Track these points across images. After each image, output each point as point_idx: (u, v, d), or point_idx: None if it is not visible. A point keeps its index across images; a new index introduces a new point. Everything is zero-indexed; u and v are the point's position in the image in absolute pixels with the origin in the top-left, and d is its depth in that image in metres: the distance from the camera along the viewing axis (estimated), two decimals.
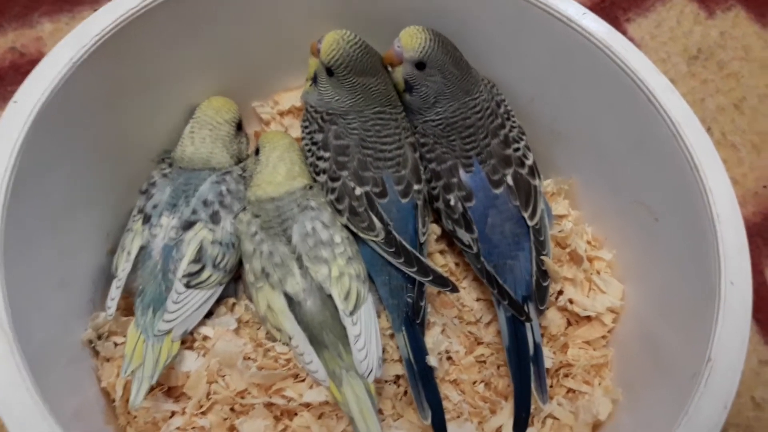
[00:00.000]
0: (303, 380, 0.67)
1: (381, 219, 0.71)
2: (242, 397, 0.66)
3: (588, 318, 0.73)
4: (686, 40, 1.03)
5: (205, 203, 0.73)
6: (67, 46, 0.63)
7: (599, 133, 0.72)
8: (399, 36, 0.74)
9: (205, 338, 0.70)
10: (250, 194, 0.75)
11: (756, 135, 0.92)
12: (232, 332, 0.70)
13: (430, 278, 0.69)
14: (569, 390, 0.69)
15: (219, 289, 0.72)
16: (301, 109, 0.86)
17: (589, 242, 0.75)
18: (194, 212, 0.72)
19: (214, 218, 0.72)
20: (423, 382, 0.67)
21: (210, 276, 0.70)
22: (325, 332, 0.67)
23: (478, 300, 0.76)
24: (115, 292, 0.68)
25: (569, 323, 0.74)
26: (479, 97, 0.75)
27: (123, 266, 0.69)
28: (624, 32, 0.95)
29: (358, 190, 0.72)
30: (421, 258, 0.70)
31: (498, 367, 0.72)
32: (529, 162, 0.75)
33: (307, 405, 0.66)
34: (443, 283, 0.69)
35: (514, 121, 0.77)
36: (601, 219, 0.76)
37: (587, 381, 0.69)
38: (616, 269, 0.74)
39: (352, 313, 0.67)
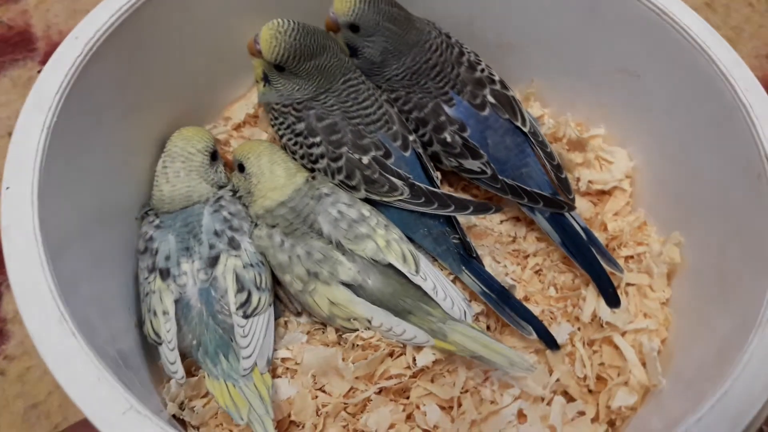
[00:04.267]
0: (401, 354, 0.65)
1: (398, 176, 0.70)
2: (353, 396, 0.63)
3: (608, 192, 0.77)
4: None
5: (217, 234, 0.68)
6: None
7: (550, 24, 0.76)
8: (333, 1, 0.73)
9: (285, 360, 0.66)
10: (256, 209, 0.71)
11: (731, 30, 0.96)
12: (309, 343, 0.67)
13: (471, 209, 0.69)
14: (628, 257, 0.72)
15: (271, 309, 0.68)
16: (256, 116, 0.82)
17: (577, 126, 0.79)
18: (212, 246, 0.67)
19: (233, 244, 0.68)
20: (507, 304, 0.67)
21: (260, 299, 0.66)
22: (401, 300, 0.65)
23: (501, 222, 0.78)
24: (172, 356, 0.63)
25: (595, 204, 0.77)
26: (431, 38, 0.75)
27: (167, 327, 0.63)
28: None
29: (365, 159, 0.70)
30: (453, 195, 0.70)
31: (555, 266, 0.73)
32: (496, 77, 0.77)
33: (415, 375, 0.64)
34: (485, 207, 0.69)
35: (467, 47, 0.79)
36: (576, 105, 0.80)
37: (639, 242, 0.73)
38: (613, 139, 0.78)
39: (417, 271, 0.66)
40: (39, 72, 0.59)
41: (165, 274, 0.66)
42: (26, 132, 0.55)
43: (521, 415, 0.61)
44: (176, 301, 0.65)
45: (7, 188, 0.52)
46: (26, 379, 0.76)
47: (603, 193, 0.77)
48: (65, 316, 0.47)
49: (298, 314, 0.72)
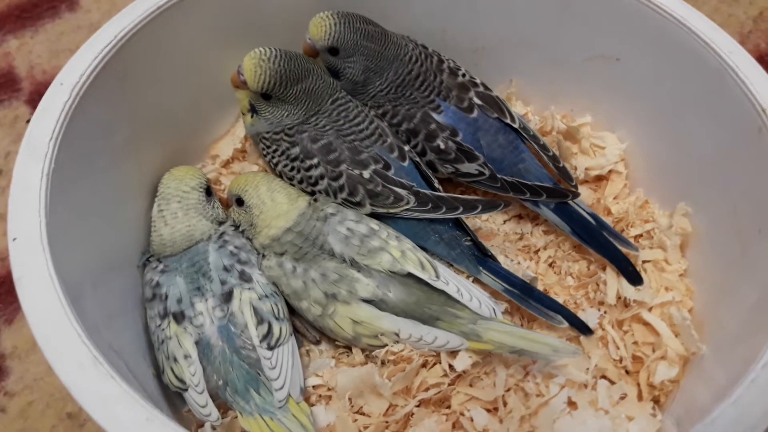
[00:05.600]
0: (435, 363, 0.63)
1: (402, 186, 0.69)
2: (393, 413, 0.61)
3: (605, 177, 0.78)
4: None
5: (226, 269, 0.66)
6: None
7: (521, 24, 0.78)
8: (309, 27, 0.73)
9: (317, 387, 0.63)
10: (261, 240, 0.69)
11: None
12: (338, 367, 0.64)
13: (480, 208, 0.69)
14: (637, 236, 0.73)
15: (293, 338, 0.65)
16: (243, 151, 0.81)
17: (563, 119, 0.80)
18: (223, 282, 0.65)
19: (244, 277, 0.66)
20: (532, 297, 0.66)
21: (281, 329, 0.64)
22: (426, 307, 0.64)
23: (504, 222, 0.77)
24: (202, 399, 0.60)
25: (594, 190, 0.77)
26: (409, 50, 0.76)
27: (191, 370, 0.61)
28: None
29: (366, 173, 0.69)
30: (459, 196, 0.70)
31: (568, 256, 0.73)
32: (478, 80, 0.78)
33: (453, 382, 0.62)
34: (493, 205, 0.69)
35: (444, 55, 0.79)
36: (558, 98, 0.81)
37: (645, 220, 0.73)
38: (601, 125, 0.80)
39: (438, 277, 0.65)
40: (28, 122, 0.57)
41: (179, 317, 0.63)
42: (25, 181, 0.52)
43: (570, 403, 0.59)
44: (196, 343, 0.62)
45: (15, 239, 0.49)
46: (28, 414, 0.73)
47: (600, 179, 0.78)
48: (99, 359, 0.44)
49: (317, 343, 0.70)
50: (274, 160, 0.73)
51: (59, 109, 0.57)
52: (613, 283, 0.68)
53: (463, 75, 0.77)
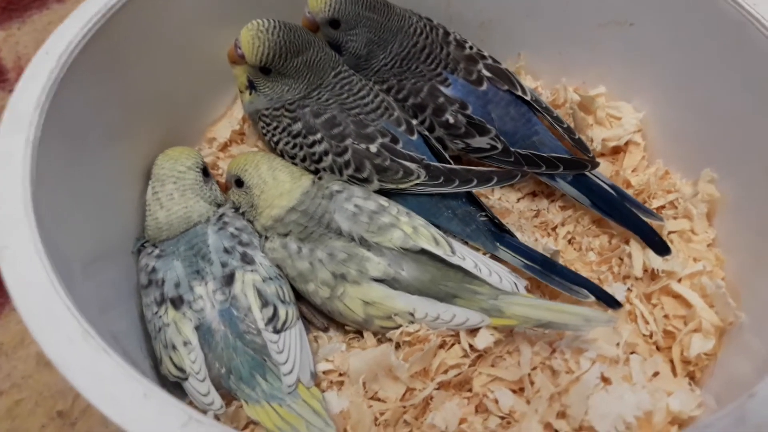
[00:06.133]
0: (454, 344, 0.59)
1: (411, 159, 0.65)
2: (411, 398, 0.56)
3: (623, 148, 0.74)
4: None
5: (227, 251, 0.62)
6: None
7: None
8: (307, 0, 0.70)
9: (328, 373, 0.59)
10: (263, 221, 0.65)
11: None
12: (349, 351, 0.60)
13: (495, 180, 0.65)
14: (660, 207, 0.69)
15: (301, 323, 0.61)
16: (242, 133, 0.77)
17: (576, 91, 0.76)
18: (224, 264, 0.61)
19: (246, 259, 0.62)
20: (554, 271, 0.62)
21: (287, 312, 0.60)
22: (442, 284, 0.60)
23: (518, 200, 0.74)
24: (204, 386, 0.56)
25: (612, 163, 0.74)
26: (413, 22, 0.72)
27: (192, 357, 0.56)
28: None
29: (373, 147, 0.65)
30: (472, 168, 0.66)
31: (588, 231, 0.69)
32: (485, 53, 0.75)
33: (474, 363, 0.58)
34: (511, 174, 0.65)
35: (449, 28, 0.76)
36: (569, 70, 0.78)
37: (667, 190, 0.69)
38: (615, 95, 0.76)
39: (453, 252, 0.61)
40: None
41: (178, 302, 0.59)
42: (8, 149, 0.48)
43: (603, 378, 0.55)
44: (196, 328, 0.58)
45: None
46: (16, 413, 0.68)
47: (617, 151, 0.74)
48: (90, 332, 0.40)
49: (325, 329, 0.66)
50: (275, 138, 0.69)
51: (45, 77, 0.53)
52: (639, 255, 0.64)
53: (471, 47, 0.74)
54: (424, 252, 0.61)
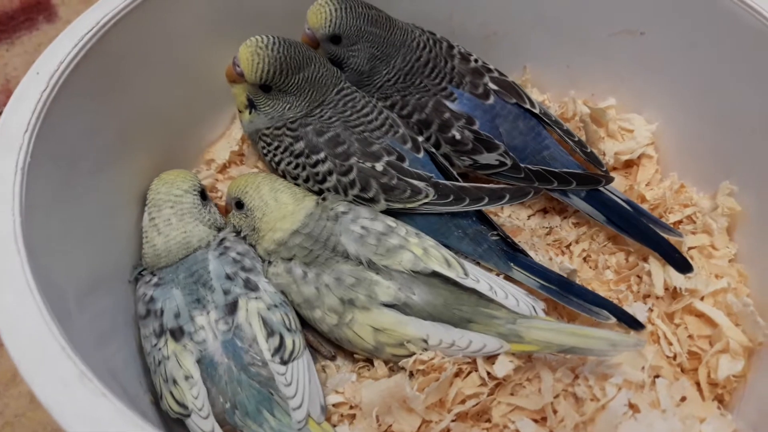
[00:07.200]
0: (471, 371, 0.56)
1: (419, 177, 0.63)
2: (428, 430, 0.53)
3: (636, 162, 0.72)
4: None
5: (229, 277, 0.59)
6: None
7: (534, 5, 0.72)
8: (306, 16, 0.67)
9: (339, 405, 0.56)
10: (266, 244, 0.62)
11: None
12: (360, 382, 0.57)
13: (507, 197, 0.62)
14: (677, 222, 0.66)
15: (308, 352, 0.58)
16: (241, 154, 0.74)
17: (586, 104, 0.74)
18: (227, 292, 0.58)
19: (250, 285, 0.59)
20: (572, 292, 0.59)
21: (294, 342, 0.57)
22: (456, 309, 0.57)
23: (529, 218, 0.71)
24: (208, 424, 0.53)
25: (626, 177, 0.71)
26: (416, 36, 0.70)
27: (194, 392, 0.53)
28: None
29: (379, 165, 0.63)
30: (483, 185, 0.63)
31: (603, 248, 0.67)
32: (491, 66, 0.72)
33: (492, 392, 0.55)
34: (524, 192, 0.63)
35: (453, 41, 0.74)
36: (578, 83, 0.76)
37: (684, 204, 0.67)
38: (626, 107, 0.74)
39: (466, 274, 0.58)
40: None
41: (178, 333, 0.56)
42: None
43: (630, 405, 0.52)
44: (198, 361, 0.55)
45: None
46: None
47: (630, 165, 0.72)
48: (87, 374, 0.37)
49: (333, 358, 0.63)
50: (276, 158, 0.66)
51: (35, 99, 0.50)
52: (659, 272, 0.61)
53: (476, 60, 0.72)
54: (435, 275, 0.58)
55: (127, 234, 0.63)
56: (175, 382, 0.54)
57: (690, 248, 0.63)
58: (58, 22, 0.98)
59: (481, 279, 0.58)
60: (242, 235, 0.64)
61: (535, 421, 0.54)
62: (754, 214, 0.62)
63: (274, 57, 0.62)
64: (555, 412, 0.53)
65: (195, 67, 0.68)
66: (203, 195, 0.65)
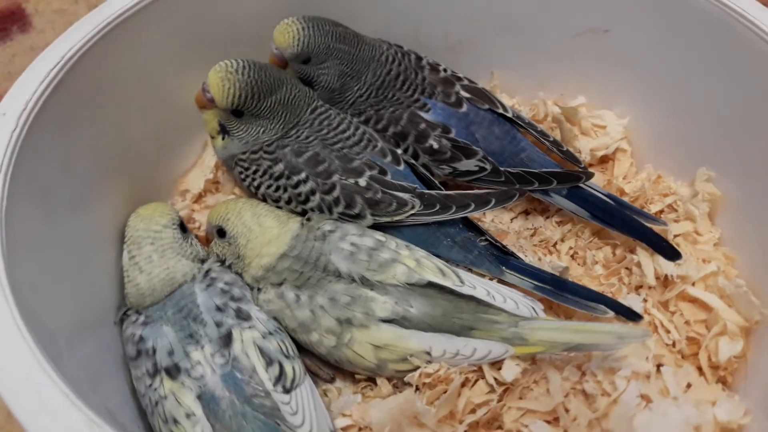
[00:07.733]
0: (477, 380, 0.55)
1: (404, 189, 0.62)
2: None
3: (611, 157, 0.73)
4: None
5: (219, 309, 0.57)
6: None
7: (497, 12, 0.73)
8: (273, 36, 0.66)
9: (347, 429, 0.54)
10: (253, 271, 0.60)
11: None
12: (366, 402, 0.56)
13: (493, 202, 0.62)
14: (659, 212, 0.67)
15: (308, 377, 0.56)
16: (216, 182, 0.72)
17: (556, 104, 0.75)
18: (219, 324, 0.56)
19: (242, 315, 0.57)
20: (567, 290, 0.60)
21: (294, 368, 0.55)
22: (456, 318, 0.56)
23: (512, 221, 0.71)
24: None
25: (602, 173, 0.72)
26: (384, 50, 0.70)
27: (198, 430, 0.51)
28: None
29: (362, 181, 0.62)
30: (468, 192, 0.63)
31: (590, 244, 0.67)
32: (460, 74, 0.72)
33: (501, 398, 0.54)
34: (509, 195, 0.63)
35: (421, 54, 0.74)
36: (546, 84, 0.76)
37: (663, 194, 0.68)
38: (595, 105, 0.75)
39: (462, 282, 0.57)
40: None
41: (174, 371, 0.54)
42: None
43: (642, 396, 0.52)
44: (198, 398, 0.52)
45: None
46: None
47: (606, 160, 0.73)
48: (95, 421, 0.34)
49: (332, 380, 0.61)
50: (255, 183, 0.65)
51: (5, 140, 0.48)
52: (649, 262, 0.62)
53: (445, 70, 0.72)
54: (431, 285, 0.57)
55: (109, 273, 0.60)
56: (176, 421, 0.52)
57: (675, 236, 0.64)
58: (32, 31, 0.95)
59: (478, 285, 0.58)
60: (227, 263, 0.63)
61: (548, 422, 0.53)
62: (732, 198, 0.64)
63: (245, 81, 0.61)
64: (567, 411, 0.53)
65: (163, 95, 0.66)
66: (183, 227, 0.63)
